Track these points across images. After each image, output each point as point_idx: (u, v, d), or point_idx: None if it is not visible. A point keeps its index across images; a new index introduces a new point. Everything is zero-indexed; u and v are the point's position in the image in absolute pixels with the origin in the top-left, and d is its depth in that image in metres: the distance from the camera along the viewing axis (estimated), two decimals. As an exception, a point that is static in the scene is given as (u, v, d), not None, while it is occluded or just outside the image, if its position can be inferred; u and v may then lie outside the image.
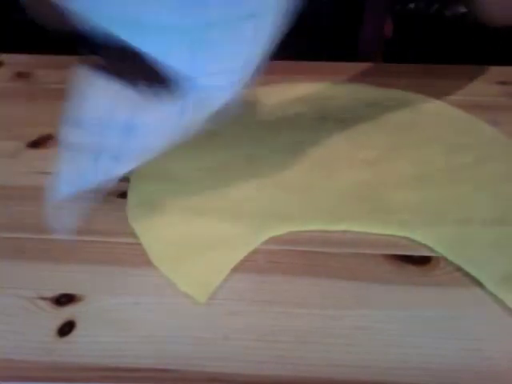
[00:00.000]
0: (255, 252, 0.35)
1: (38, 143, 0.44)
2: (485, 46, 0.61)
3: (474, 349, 0.30)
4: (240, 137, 0.45)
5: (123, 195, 0.39)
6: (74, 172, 0.34)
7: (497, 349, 0.30)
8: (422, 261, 0.35)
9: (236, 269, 0.34)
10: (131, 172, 0.41)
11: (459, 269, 0.34)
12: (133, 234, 0.36)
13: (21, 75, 0.53)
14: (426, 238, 0.36)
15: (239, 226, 0.37)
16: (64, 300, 0.32)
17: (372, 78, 0.53)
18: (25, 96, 0.50)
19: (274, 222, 0.37)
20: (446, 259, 0.35)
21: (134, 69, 0.33)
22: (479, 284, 0.33)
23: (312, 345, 0.30)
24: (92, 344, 0.30)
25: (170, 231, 0.37)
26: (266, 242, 0.36)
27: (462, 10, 0.61)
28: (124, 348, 0.30)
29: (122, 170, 0.35)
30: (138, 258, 0.35)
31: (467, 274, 0.34)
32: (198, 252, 0.35)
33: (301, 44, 0.55)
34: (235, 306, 0.32)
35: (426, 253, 0.35)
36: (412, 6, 0.63)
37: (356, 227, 0.37)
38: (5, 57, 0.56)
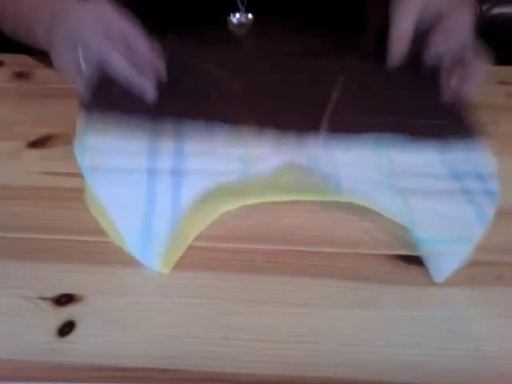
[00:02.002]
0: (254, 252, 0.35)
1: (37, 143, 0.44)
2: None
3: (474, 349, 0.30)
4: None
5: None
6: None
7: (497, 349, 0.30)
8: (422, 261, 0.35)
9: (236, 269, 0.34)
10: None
11: (459, 269, 0.34)
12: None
13: (21, 75, 0.53)
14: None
15: None
16: (64, 300, 0.32)
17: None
18: (25, 96, 0.50)
19: None
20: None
21: None
22: (479, 284, 0.33)
23: (312, 345, 0.30)
24: (92, 344, 0.30)
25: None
26: (265, 243, 0.36)
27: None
28: (124, 348, 0.30)
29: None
30: (138, 257, 0.35)
31: (467, 274, 0.34)
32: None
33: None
34: (235, 305, 0.32)
35: (425, 253, 0.35)
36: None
37: None
38: (5, 57, 0.56)
